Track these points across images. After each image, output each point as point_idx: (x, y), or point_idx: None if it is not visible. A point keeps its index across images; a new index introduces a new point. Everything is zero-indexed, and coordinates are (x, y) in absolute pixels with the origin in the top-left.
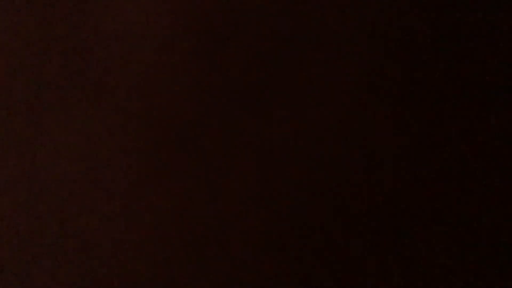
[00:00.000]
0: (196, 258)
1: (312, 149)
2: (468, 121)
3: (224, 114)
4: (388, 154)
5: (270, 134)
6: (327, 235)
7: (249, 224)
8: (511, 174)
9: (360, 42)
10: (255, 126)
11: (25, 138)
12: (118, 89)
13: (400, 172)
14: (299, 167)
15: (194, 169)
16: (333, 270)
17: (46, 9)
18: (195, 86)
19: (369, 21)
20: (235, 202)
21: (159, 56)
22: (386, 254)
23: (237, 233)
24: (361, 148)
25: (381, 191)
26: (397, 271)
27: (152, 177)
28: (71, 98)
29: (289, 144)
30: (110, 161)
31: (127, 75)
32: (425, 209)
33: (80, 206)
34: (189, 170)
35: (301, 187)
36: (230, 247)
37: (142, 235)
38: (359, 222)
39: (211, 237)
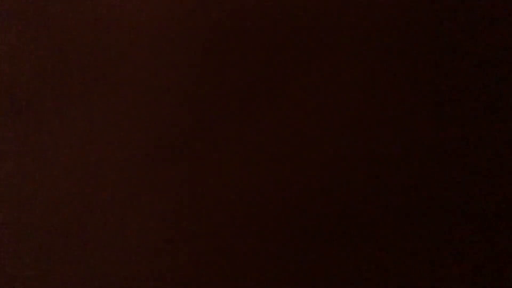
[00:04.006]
0: (195, 258)
1: (312, 151)
2: (470, 121)
3: (224, 114)
4: (388, 154)
5: (270, 135)
6: (327, 237)
7: (248, 225)
8: (511, 174)
9: (361, 43)
10: (255, 127)
11: (24, 138)
12: (117, 89)
13: (400, 172)
14: (298, 169)
15: (194, 169)
16: (331, 271)
17: (45, 8)
18: (195, 86)
19: (370, 21)
20: (235, 202)
21: (159, 56)
22: (385, 255)
23: (236, 234)
24: (361, 149)
25: (380, 191)
26: (396, 272)
27: (152, 177)
28: (69, 98)
29: (289, 146)
30: (109, 160)
31: (126, 75)
32: (426, 211)
33: (79, 206)
34: (189, 170)
35: (301, 188)
36: (228, 247)
37: (142, 234)
38: (358, 223)
39: (210, 237)
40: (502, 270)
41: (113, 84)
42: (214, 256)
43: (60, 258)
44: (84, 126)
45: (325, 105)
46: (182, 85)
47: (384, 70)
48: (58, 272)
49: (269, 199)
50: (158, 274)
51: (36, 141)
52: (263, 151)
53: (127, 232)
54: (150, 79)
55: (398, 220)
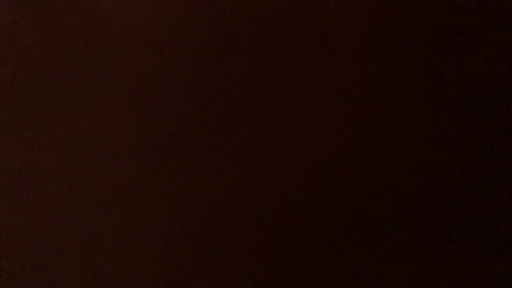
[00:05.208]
0: (196, 257)
1: (312, 150)
2: (470, 122)
3: (223, 113)
4: (389, 155)
5: (270, 134)
6: (327, 236)
7: (248, 223)
8: (511, 174)
9: (361, 43)
10: (255, 126)
11: (25, 139)
12: (116, 88)
13: (401, 173)
14: (298, 167)
15: (194, 168)
16: (334, 271)
17: (46, 9)
18: (195, 86)
19: (371, 21)
20: (235, 201)
21: (158, 56)
22: (386, 255)
23: (236, 233)
24: (361, 149)
25: (381, 191)
26: (396, 273)
27: (152, 176)
28: (68, 99)
29: (288, 144)
30: (109, 160)
31: (126, 75)
32: (426, 211)
33: (80, 206)
34: (189, 169)
35: (300, 187)
36: (228, 247)
37: (142, 233)
38: (358, 223)
39: (210, 236)
40: (502, 270)
41: (113, 84)
42: (214, 256)
43: (60, 257)
44: (85, 125)
45: (325, 104)
46: (182, 85)
47: (384, 70)
48: (58, 271)
49: (270, 198)
50: (158, 274)
51: (36, 141)
52: (264, 150)
53: (128, 232)
54: (150, 79)
55: (398, 220)
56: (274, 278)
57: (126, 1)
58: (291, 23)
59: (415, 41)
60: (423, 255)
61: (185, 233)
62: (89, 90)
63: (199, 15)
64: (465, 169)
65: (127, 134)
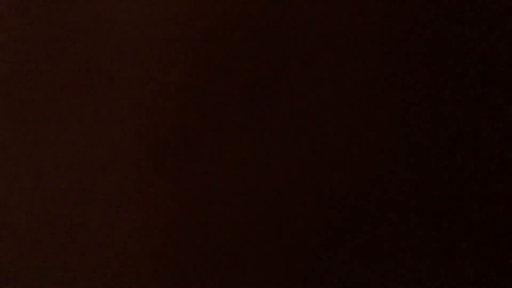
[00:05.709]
0: (196, 256)
1: (312, 149)
2: (470, 121)
3: (224, 113)
4: (389, 154)
5: (270, 134)
6: (326, 235)
7: (248, 223)
8: (511, 174)
9: (361, 42)
10: (255, 126)
11: (24, 139)
12: (117, 88)
13: (402, 172)
14: (299, 167)
15: (194, 168)
16: (334, 271)
17: (45, 9)
18: (195, 86)
19: (371, 20)
20: (235, 201)
21: (158, 56)
22: (387, 255)
23: (237, 232)
24: (362, 149)
25: (382, 191)
26: (397, 272)
27: (153, 176)
28: (69, 99)
29: (289, 144)
30: (108, 159)
31: (125, 75)
32: (426, 211)
33: (80, 206)
34: (189, 169)
35: (301, 187)
36: (228, 246)
37: (143, 233)
38: (358, 222)
39: (210, 235)
40: (502, 270)
41: (112, 83)
42: (214, 256)
43: (59, 257)
44: (83, 124)
45: (325, 103)
46: (182, 84)
47: (384, 70)
48: (57, 271)
49: (269, 197)
50: (157, 274)
51: (35, 140)
52: (263, 149)
53: (127, 231)
54: (149, 78)
55: (397, 220)
56: (273, 277)
57: (125, 1)
58: (291, 22)
59: (415, 40)
60: (423, 254)
61: (184, 232)
62: (87, 89)
63: (199, 14)
64: (465, 168)
65: (126, 133)
